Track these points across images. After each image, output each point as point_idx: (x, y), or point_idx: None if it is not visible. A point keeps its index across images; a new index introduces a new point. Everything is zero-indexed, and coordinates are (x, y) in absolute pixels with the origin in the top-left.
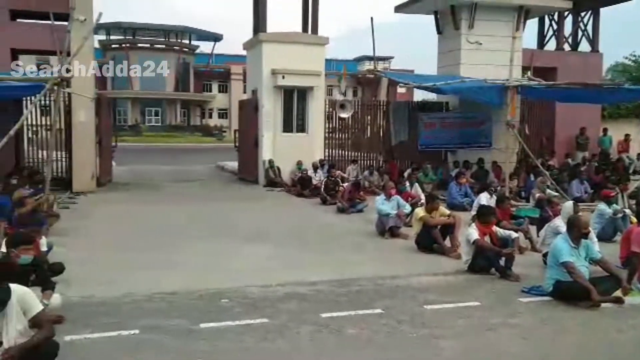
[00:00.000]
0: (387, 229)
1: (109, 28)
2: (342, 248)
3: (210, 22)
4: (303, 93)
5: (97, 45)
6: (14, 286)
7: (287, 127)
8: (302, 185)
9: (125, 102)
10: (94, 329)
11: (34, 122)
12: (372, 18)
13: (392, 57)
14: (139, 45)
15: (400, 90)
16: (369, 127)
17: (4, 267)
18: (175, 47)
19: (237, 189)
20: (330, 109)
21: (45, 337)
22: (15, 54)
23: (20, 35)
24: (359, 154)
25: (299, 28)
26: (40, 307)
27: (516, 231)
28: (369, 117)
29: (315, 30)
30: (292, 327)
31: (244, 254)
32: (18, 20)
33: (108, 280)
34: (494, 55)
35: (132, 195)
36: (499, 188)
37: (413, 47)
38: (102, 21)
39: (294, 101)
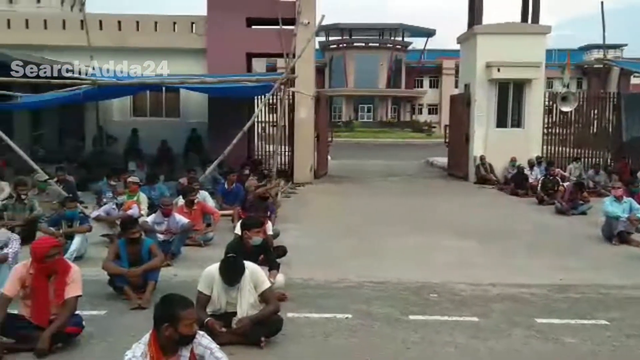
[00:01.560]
0: (616, 234)
1: (329, 29)
2: (559, 251)
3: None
4: (520, 86)
5: (317, 46)
6: (247, 263)
7: (500, 122)
8: (516, 184)
9: (340, 99)
10: (311, 309)
11: (262, 119)
12: (602, 3)
13: (624, 45)
14: (355, 44)
15: (634, 80)
16: (595, 122)
17: (241, 247)
18: (388, 45)
19: (446, 185)
20: (550, 102)
21: (273, 311)
22: (249, 58)
23: (254, 40)
24: (583, 151)
25: (517, 18)
26: (269, 284)
27: None
28: (595, 111)
29: (536, 19)
30: (504, 329)
31: (452, 249)
32: (253, 27)
33: (325, 265)
34: None
35: (346, 188)
36: None
37: None
38: (322, 23)
39: (510, 95)
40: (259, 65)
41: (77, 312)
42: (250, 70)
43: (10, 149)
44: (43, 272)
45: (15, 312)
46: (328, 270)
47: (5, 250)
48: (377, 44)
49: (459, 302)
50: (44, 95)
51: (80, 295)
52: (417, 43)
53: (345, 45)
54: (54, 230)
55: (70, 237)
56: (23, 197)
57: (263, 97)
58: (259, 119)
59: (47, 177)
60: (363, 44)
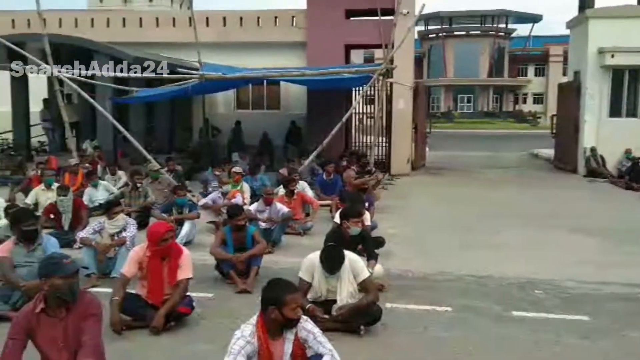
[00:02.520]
0: None
1: (428, 18)
2: None
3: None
4: (635, 73)
5: (415, 36)
6: (347, 252)
7: (614, 112)
8: (631, 177)
9: (439, 89)
10: (410, 300)
11: (359, 111)
12: None
13: None
14: (455, 33)
15: None
16: None
17: (340, 236)
18: (490, 32)
19: (553, 178)
20: None
21: (372, 300)
22: (348, 49)
23: (353, 32)
24: None
25: (632, 1)
26: (368, 274)
27: None
28: None
29: None
30: (616, 329)
31: (561, 244)
32: (351, 18)
33: (423, 258)
34: None
35: (444, 179)
36: None
37: None
38: (422, 12)
39: (625, 82)
40: (356, 56)
41: (188, 293)
42: (348, 62)
43: (126, 140)
44: (158, 254)
45: (133, 291)
46: (427, 263)
47: (123, 234)
48: (479, 32)
49: (566, 299)
50: (157, 90)
51: (191, 278)
52: (521, 29)
53: (444, 34)
54: (166, 217)
55: (180, 223)
56: (138, 185)
57: (361, 88)
58: (356, 111)
59: (159, 166)
60: (463, 32)
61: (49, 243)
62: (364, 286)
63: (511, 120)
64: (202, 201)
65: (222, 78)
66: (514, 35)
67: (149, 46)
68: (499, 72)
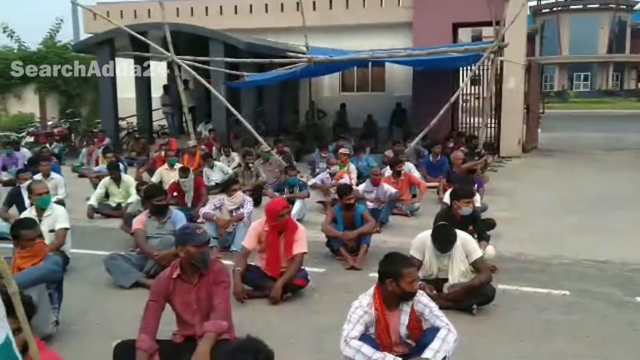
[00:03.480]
0: None
1: None
2: None
3: None
4: None
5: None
6: (459, 232)
7: None
8: None
9: (553, 67)
10: (523, 283)
11: (465, 92)
12: None
13: None
14: (571, 7)
15: None
16: None
17: (450, 216)
18: (610, 5)
19: None
20: None
21: (485, 280)
22: (455, 28)
23: (461, 10)
24: None
25: None
26: (480, 254)
27: None
28: None
29: None
30: None
31: None
32: None
33: (536, 241)
34: None
35: (558, 162)
36: None
37: None
38: None
39: None
40: (463, 35)
41: (302, 267)
42: (456, 41)
43: (238, 123)
44: (275, 229)
45: (253, 263)
46: (540, 246)
47: (241, 211)
48: (597, 5)
49: None
50: (267, 74)
51: (305, 252)
52: None
53: (559, 8)
54: (278, 195)
55: (291, 201)
56: (250, 165)
57: (468, 68)
58: (463, 92)
59: (269, 148)
60: (580, 6)
61: (177, 217)
62: (476, 266)
63: (633, 99)
64: (312, 181)
65: (329, 60)
66: (637, 7)
67: (258, 32)
68: (619, 47)
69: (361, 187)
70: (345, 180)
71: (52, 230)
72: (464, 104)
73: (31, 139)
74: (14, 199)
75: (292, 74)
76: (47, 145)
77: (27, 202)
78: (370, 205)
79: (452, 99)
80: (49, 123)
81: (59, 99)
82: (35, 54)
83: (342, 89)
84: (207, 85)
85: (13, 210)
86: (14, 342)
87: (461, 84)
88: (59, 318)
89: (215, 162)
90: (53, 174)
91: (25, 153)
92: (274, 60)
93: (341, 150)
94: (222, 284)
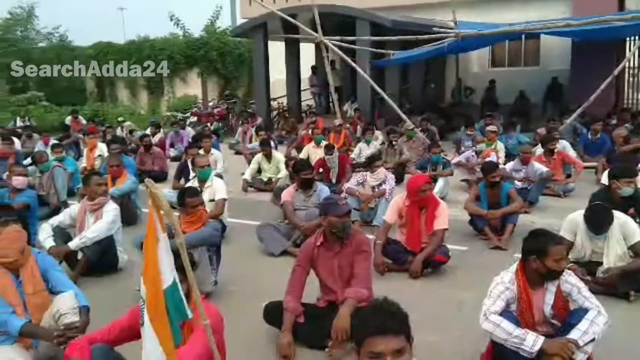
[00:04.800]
0: None
1: None
2: None
3: None
4: None
5: None
6: (616, 213)
7: None
8: None
9: None
10: None
11: (632, 64)
12: None
13: None
14: None
15: None
16: None
17: (608, 197)
18: None
19: None
20: None
21: None
22: None
23: None
24: None
25: None
26: None
27: None
28: None
29: None
30: None
31: None
32: None
33: None
34: None
35: None
36: None
37: None
38: None
39: None
40: (631, 2)
41: (443, 243)
42: (622, 9)
43: (382, 102)
44: (416, 204)
45: (393, 238)
46: None
47: (383, 187)
48: None
49: None
50: (412, 51)
51: (446, 229)
52: None
53: None
54: (420, 173)
55: (434, 179)
56: (394, 143)
57: (636, 38)
58: (630, 64)
59: (413, 126)
60: None
61: (322, 190)
62: (635, 250)
63: None
64: (456, 159)
65: (478, 34)
66: None
67: (405, 9)
68: None
69: (509, 165)
70: (492, 158)
71: (211, 200)
72: (631, 79)
73: (194, 119)
74: (182, 172)
75: (439, 50)
76: (208, 124)
77: (192, 174)
78: (518, 184)
79: (616, 72)
80: (210, 104)
81: (218, 82)
82: (198, 40)
83: (491, 64)
84: (353, 64)
85: (182, 182)
86: (179, 285)
87: (627, 55)
88: (217, 279)
89: (371, 138)
90: (213, 150)
91: (189, 131)
92: (421, 37)
93: (489, 128)
94: (363, 253)
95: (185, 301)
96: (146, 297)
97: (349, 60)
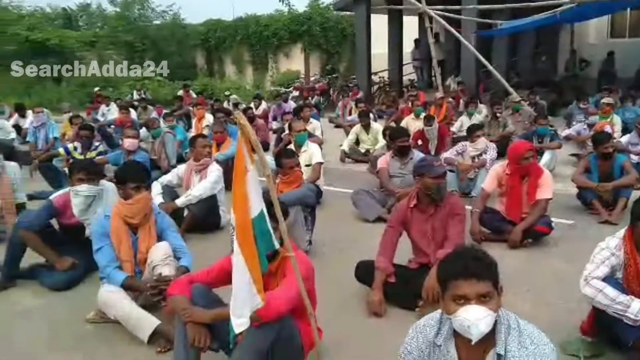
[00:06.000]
0: None
1: None
2: None
3: None
4: None
5: None
6: None
7: None
8: None
9: None
10: None
11: None
12: None
13: None
14: None
15: None
16: None
17: None
18: None
19: None
20: None
21: None
22: None
23: None
24: None
25: None
26: None
27: None
28: None
29: None
30: None
31: None
32: None
33: None
34: None
35: None
36: None
37: None
38: None
39: None
40: None
41: (546, 214)
42: None
43: (488, 75)
44: (517, 173)
45: (493, 207)
46: None
47: (484, 157)
48: None
49: None
50: (522, 21)
51: (550, 199)
52: None
53: None
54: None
55: (539, 152)
56: (498, 115)
57: None
58: None
59: (519, 98)
60: None
61: (419, 158)
62: None
63: None
64: (566, 132)
65: (598, 0)
66: None
67: None
68: None
69: (624, 138)
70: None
71: (307, 165)
72: None
73: (296, 93)
74: (283, 141)
75: (551, 19)
76: (309, 98)
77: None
78: (635, 158)
79: None
80: (312, 79)
81: (321, 57)
82: (302, 15)
83: (610, 34)
84: (458, 35)
85: None
86: (267, 216)
87: None
88: (311, 238)
89: (474, 111)
90: (312, 120)
91: (291, 104)
92: (532, 4)
93: (604, 100)
94: (457, 216)
95: (272, 233)
96: (235, 225)
97: (453, 31)
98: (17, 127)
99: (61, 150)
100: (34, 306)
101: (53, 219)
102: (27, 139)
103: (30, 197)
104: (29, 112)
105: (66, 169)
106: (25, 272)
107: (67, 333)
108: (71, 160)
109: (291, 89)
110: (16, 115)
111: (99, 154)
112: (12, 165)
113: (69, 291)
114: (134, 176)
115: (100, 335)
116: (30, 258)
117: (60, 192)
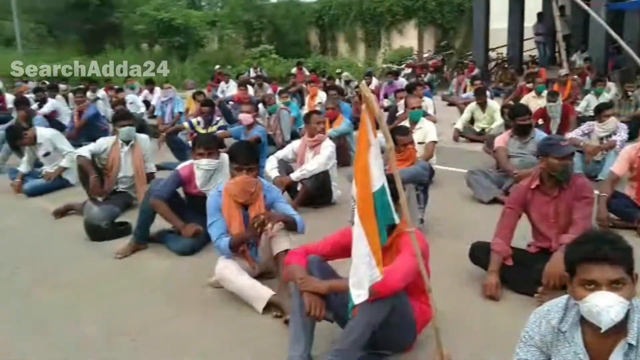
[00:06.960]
0: None
1: None
2: None
3: None
4: None
5: None
6: None
7: None
8: None
9: None
10: None
11: None
12: None
13: None
14: None
15: None
16: None
17: None
18: None
19: None
20: None
21: None
22: None
23: None
24: None
25: None
26: None
27: None
28: None
29: None
30: None
31: None
32: None
33: None
34: None
35: None
36: None
37: None
38: None
39: None
40: None
41: None
42: None
43: (619, 51)
44: None
45: (622, 191)
46: None
47: (613, 138)
48: None
49: None
50: None
51: None
52: None
53: None
54: None
55: None
56: (629, 94)
57: None
58: None
59: None
60: None
61: (540, 137)
62: None
63: None
64: None
65: None
66: None
67: None
68: None
69: None
70: None
71: (421, 143)
72: None
73: (409, 71)
74: (393, 118)
75: None
76: (422, 75)
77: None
78: None
79: None
80: (425, 56)
81: (435, 33)
82: None
83: None
84: (586, 8)
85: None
86: (387, 190)
87: None
88: (423, 217)
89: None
90: (424, 97)
91: (402, 82)
92: None
93: None
94: (585, 199)
95: (393, 206)
96: (357, 198)
97: (581, 3)
98: (146, 103)
99: (186, 124)
100: (160, 268)
101: (180, 188)
102: (155, 113)
103: (159, 168)
104: (157, 89)
105: (190, 142)
106: (155, 237)
107: (188, 295)
108: (195, 134)
109: (403, 66)
110: (145, 91)
111: (220, 128)
112: (143, 138)
113: (192, 256)
114: (237, 157)
115: (220, 297)
116: (160, 223)
117: (186, 163)
